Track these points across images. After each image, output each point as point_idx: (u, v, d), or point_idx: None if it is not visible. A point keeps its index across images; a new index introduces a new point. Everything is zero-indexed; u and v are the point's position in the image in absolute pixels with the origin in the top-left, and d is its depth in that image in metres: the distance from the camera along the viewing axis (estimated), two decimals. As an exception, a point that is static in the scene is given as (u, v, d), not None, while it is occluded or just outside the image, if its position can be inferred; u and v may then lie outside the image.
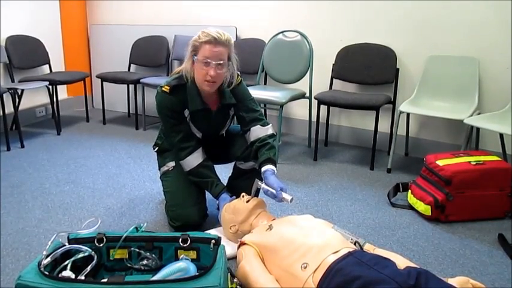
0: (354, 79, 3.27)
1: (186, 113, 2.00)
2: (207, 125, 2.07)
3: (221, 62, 1.85)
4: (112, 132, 3.81)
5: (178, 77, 1.96)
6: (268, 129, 2.04)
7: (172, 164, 2.11)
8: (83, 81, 3.96)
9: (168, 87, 1.94)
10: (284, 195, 1.80)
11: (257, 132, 2.03)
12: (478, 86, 2.82)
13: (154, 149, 2.25)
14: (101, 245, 1.50)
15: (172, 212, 2.03)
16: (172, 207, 2.04)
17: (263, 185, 1.87)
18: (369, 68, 3.19)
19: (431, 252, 1.91)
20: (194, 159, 2.02)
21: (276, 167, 1.94)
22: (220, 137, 2.20)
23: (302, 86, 3.32)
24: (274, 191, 1.81)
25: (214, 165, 2.13)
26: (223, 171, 2.33)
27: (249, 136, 2.05)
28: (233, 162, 2.25)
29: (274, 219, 1.80)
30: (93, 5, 4.50)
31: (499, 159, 2.27)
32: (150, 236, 1.53)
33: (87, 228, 1.56)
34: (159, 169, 2.20)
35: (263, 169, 1.91)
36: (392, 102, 3.12)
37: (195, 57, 1.86)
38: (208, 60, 1.83)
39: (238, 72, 2.08)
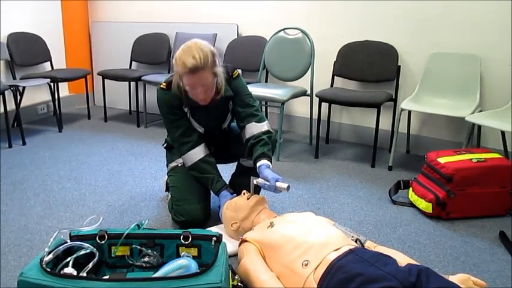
0: (355, 76, 3.26)
1: (185, 108, 2.02)
2: (207, 119, 2.08)
3: (206, 84, 1.84)
4: (113, 129, 3.81)
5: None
6: (264, 126, 2.04)
7: (181, 160, 2.12)
8: (84, 79, 3.97)
9: (165, 84, 1.99)
10: (279, 184, 1.80)
11: (252, 129, 2.03)
12: (480, 83, 2.81)
13: (163, 145, 2.26)
14: (103, 242, 1.51)
15: (177, 207, 2.03)
16: (177, 201, 2.04)
17: (259, 180, 1.88)
18: (370, 66, 3.18)
19: (432, 249, 1.91)
20: (196, 154, 2.04)
21: (271, 161, 1.94)
22: (223, 132, 2.21)
23: (303, 83, 3.32)
24: (269, 183, 1.81)
25: (220, 165, 2.14)
26: (226, 169, 2.33)
27: (244, 133, 2.05)
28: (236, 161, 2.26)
29: (275, 217, 1.80)
30: (94, 2, 4.50)
31: (500, 156, 2.27)
32: (152, 233, 1.54)
33: (89, 225, 1.57)
34: (167, 165, 2.21)
35: (258, 164, 1.92)
36: (394, 100, 3.12)
37: (181, 82, 1.87)
38: (194, 88, 1.84)
39: (239, 70, 2.08)
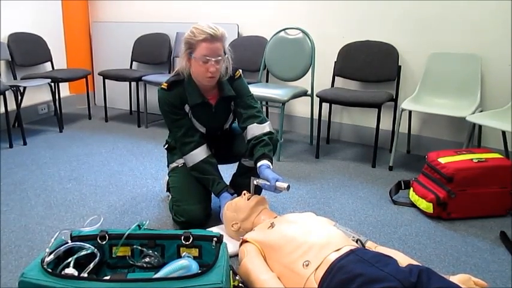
0: (355, 76, 3.26)
1: (187, 108, 2.03)
2: (209, 119, 2.08)
3: (219, 57, 1.89)
4: (114, 129, 3.81)
5: (176, 74, 2.02)
6: (265, 127, 2.04)
7: (181, 161, 2.13)
8: (85, 79, 3.97)
9: (167, 84, 2.01)
10: (279, 184, 1.80)
11: (253, 130, 2.03)
12: (480, 83, 2.81)
13: (164, 146, 2.27)
14: (104, 242, 1.51)
15: (177, 207, 2.03)
16: (177, 202, 2.04)
17: (259, 180, 1.88)
18: (371, 66, 3.18)
19: (433, 249, 1.91)
20: (198, 155, 2.04)
21: (271, 162, 1.94)
22: (225, 132, 2.21)
23: (304, 83, 3.32)
24: (269, 183, 1.82)
25: (221, 165, 2.14)
26: (227, 169, 2.33)
27: (246, 134, 2.05)
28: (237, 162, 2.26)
29: (276, 217, 1.80)
30: (95, 2, 4.50)
31: (501, 156, 2.27)
32: (153, 234, 1.54)
33: (90, 226, 1.57)
34: (168, 166, 2.22)
35: (258, 164, 1.92)
36: (394, 100, 3.12)
37: (192, 55, 1.89)
38: (207, 58, 1.86)
39: (240, 70, 2.09)
